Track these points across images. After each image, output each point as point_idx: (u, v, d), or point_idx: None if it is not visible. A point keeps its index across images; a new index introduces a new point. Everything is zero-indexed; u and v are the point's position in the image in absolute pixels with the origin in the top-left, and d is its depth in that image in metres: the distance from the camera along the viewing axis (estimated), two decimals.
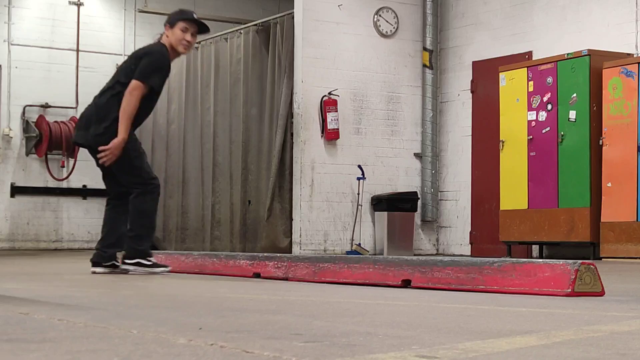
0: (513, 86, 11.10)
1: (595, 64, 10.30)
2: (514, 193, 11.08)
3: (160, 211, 14.31)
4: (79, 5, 15.06)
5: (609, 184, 10.17)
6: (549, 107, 10.69)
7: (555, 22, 11.63)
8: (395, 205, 12.35)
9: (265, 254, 6.53)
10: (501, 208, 11.26)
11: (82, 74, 15.05)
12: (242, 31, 13.04)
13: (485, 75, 12.34)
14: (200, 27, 6.63)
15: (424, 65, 13.02)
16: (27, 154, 14.65)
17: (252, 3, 16.15)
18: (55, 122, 14.62)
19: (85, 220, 15.18)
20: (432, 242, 13.11)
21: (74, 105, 14.99)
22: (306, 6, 12.20)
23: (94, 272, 6.46)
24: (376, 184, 12.57)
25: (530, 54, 11.82)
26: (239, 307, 3.72)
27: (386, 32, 12.83)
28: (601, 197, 10.23)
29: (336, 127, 12.24)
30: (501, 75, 11.28)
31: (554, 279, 4.30)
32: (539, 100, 10.80)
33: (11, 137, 14.58)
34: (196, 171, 13.63)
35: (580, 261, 4.30)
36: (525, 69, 11.00)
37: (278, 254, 6.64)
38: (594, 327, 2.90)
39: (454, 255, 12.51)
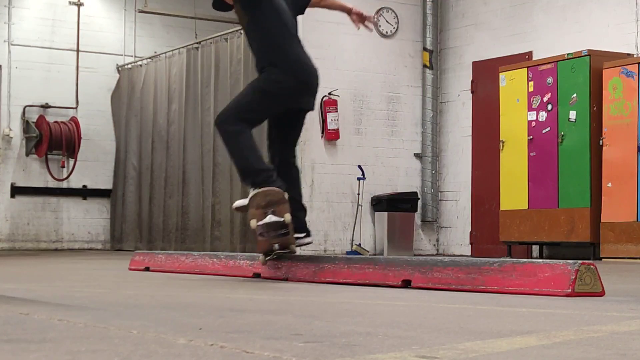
0: (513, 86, 11.10)
1: (595, 64, 10.30)
2: (514, 193, 11.08)
3: (160, 211, 14.34)
4: (79, 5, 15.06)
5: (609, 184, 10.17)
6: (549, 107, 10.69)
7: (555, 22, 11.63)
8: (395, 205, 12.35)
9: None
10: (501, 208, 11.26)
11: (82, 74, 15.06)
12: (242, 31, 13.02)
13: (485, 75, 12.34)
14: None
15: (424, 66, 13.02)
16: (27, 154, 14.65)
17: None
18: (56, 122, 14.62)
19: (86, 221, 15.19)
20: (432, 243, 13.11)
21: (74, 106, 14.99)
22: None
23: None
24: (376, 184, 12.57)
25: (530, 54, 11.82)
26: (239, 308, 3.72)
27: (386, 32, 12.83)
28: (601, 197, 10.23)
29: (336, 127, 12.24)
30: (501, 75, 11.28)
31: (554, 279, 4.30)
32: (539, 101, 10.80)
33: (11, 138, 14.58)
34: (196, 171, 13.63)
35: (580, 261, 4.30)
36: (526, 69, 11.00)
37: None
38: (594, 327, 2.90)
39: (454, 255, 12.51)
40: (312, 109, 6.10)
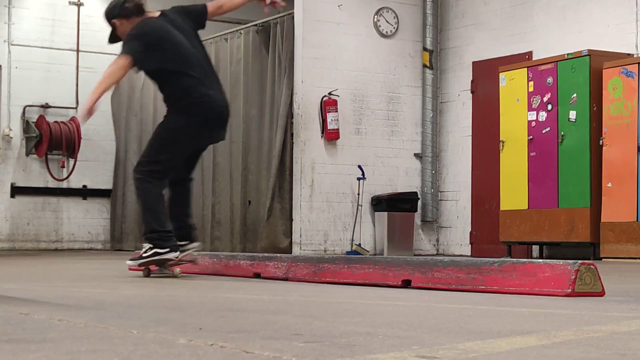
0: (513, 86, 11.10)
1: (595, 64, 10.30)
2: (514, 193, 11.08)
3: None
4: (79, 5, 15.06)
5: (609, 184, 10.17)
6: (549, 107, 10.69)
7: (555, 22, 11.63)
8: (395, 205, 12.35)
9: (265, 254, 6.53)
10: (501, 208, 11.26)
11: (82, 74, 15.05)
12: (242, 31, 13.04)
13: (485, 75, 12.34)
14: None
15: (424, 66, 13.02)
16: (27, 154, 14.65)
17: (252, 3, 16.12)
18: (56, 122, 14.61)
19: (86, 221, 15.18)
20: (432, 243, 13.11)
21: (74, 106, 14.99)
22: (306, 6, 12.20)
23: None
24: (376, 184, 12.57)
25: (530, 54, 11.82)
26: (239, 308, 3.72)
27: (386, 32, 12.83)
28: (601, 197, 10.23)
29: (336, 127, 12.24)
30: (501, 75, 11.28)
31: (554, 279, 4.30)
32: (539, 101, 10.80)
33: (11, 138, 14.57)
34: (196, 171, 13.58)
35: (580, 261, 4.30)
36: (525, 69, 11.00)
37: (278, 254, 6.64)
38: (594, 327, 2.90)
39: (454, 255, 12.51)
40: (223, 139, 6.50)
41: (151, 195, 6.12)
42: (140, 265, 6.12)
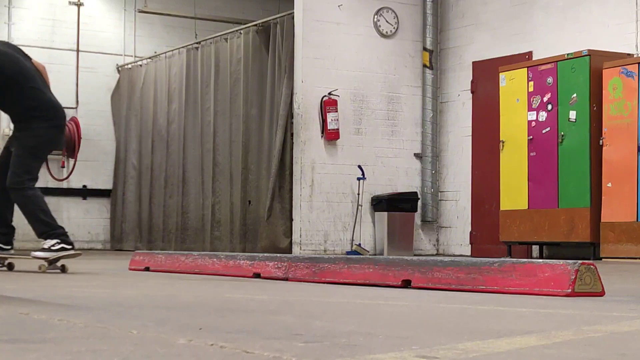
0: (513, 86, 11.10)
1: (595, 64, 10.30)
2: (514, 193, 11.08)
3: (160, 211, 14.35)
4: (79, 5, 15.06)
5: (609, 184, 10.17)
6: (549, 107, 10.69)
7: (555, 22, 11.63)
8: (396, 205, 12.35)
9: (265, 254, 6.53)
10: (501, 208, 11.26)
11: (82, 74, 15.05)
12: (242, 31, 13.04)
13: (485, 75, 12.34)
14: None
15: (424, 66, 13.02)
16: None
17: (252, 3, 16.15)
18: None
19: (85, 221, 15.18)
20: (432, 243, 13.11)
21: (74, 106, 14.99)
22: (306, 6, 12.20)
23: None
24: (376, 184, 12.57)
25: (530, 54, 11.82)
26: (239, 308, 3.72)
27: (386, 32, 12.83)
28: (601, 197, 10.23)
29: (336, 127, 12.24)
30: (501, 75, 11.28)
31: (554, 279, 4.30)
32: (539, 101, 10.80)
33: None
34: (196, 171, 13.63)
35: (580, 261, 4.30)
36: (525, 69, 11.00)
37: (278, 254, 6.64)
38: (594, 327, 2.90)
39: (454, 255, 12.51)
40: (63, 146, 7.35)
41: (39, 199, 6.83)
42: (52, 260, 6.63)
